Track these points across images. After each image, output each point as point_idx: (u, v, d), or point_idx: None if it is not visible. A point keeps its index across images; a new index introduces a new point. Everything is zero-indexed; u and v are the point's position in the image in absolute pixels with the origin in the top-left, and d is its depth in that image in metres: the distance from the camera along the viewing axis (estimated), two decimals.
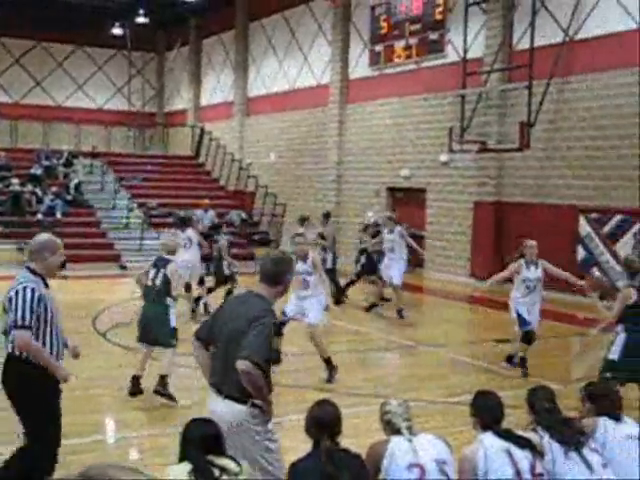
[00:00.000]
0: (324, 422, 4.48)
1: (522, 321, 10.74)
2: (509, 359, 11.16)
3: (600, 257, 17.61)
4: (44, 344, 5.72)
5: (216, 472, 4.15)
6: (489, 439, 4.75)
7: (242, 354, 4.85)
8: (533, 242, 11.08)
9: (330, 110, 26.54)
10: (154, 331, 9.23)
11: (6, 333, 5.79)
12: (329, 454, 4.29)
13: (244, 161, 31.33)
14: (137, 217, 25.64)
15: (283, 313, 10.39)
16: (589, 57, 17.90)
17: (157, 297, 9.30)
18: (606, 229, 17.55)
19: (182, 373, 9.72)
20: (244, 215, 28.03)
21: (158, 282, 9.31)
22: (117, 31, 35.57)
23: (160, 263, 9.50)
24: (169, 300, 9.34)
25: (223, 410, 5.01)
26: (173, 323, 9.30)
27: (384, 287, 15.93)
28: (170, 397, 8.96)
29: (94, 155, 29.60)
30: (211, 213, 22.71)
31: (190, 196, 27.44)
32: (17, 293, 5.65)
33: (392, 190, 24.23)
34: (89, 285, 19.14)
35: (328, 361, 10.23)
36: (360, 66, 25.48)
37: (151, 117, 39.54)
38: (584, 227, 18.04)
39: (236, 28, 32.42)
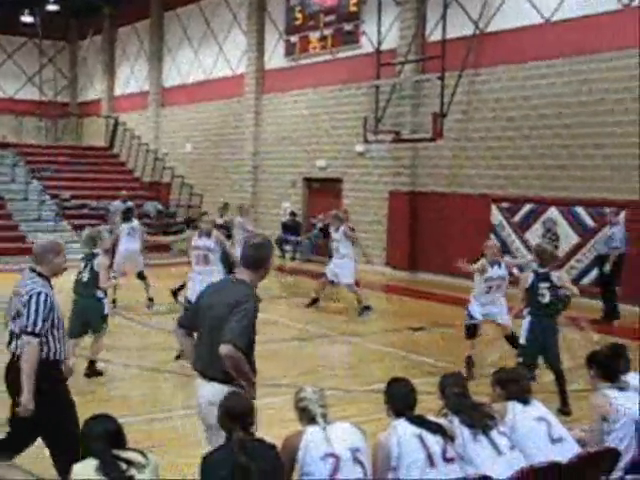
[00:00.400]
0: (236, 413, 4.51)
1: (469, 316, 10.53)
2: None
3: (512, 245, 18.06)
4: (50, 348, 5.69)
5: (123, 465, 4.13)
6: (402, 425, 4.85)
7: (225, 339, 4.98)
8: (492, 242, 11.43)
9: (246, 100, 26.46)
10: (88, 320, 9.75)
11: (12, 333, 5.77)
12: (241, 445, 4.32)
13: (160, 152, 30.98)
14: (50, 209, 25.12)
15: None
16: (499, 50, 18.31)
17: (86, 290, 9.71)
18: (517, 218, 18.01)
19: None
20: (160, 206, 27.74)
21: (86, 275, 9.71)
22: (27, 19, 34.66)
23: (88, 257, 9.91)
24: (99, 292, 9.76)
25: (209, 393, 5.14)
26: (106, 311, 9.95)
27: (326, 285, 15.83)
28: (99, 373, 9.79)
29: (4, 146, 28.81)
30: (129, 204, 22.40)
31: (105, 187, 27.06)
32: (31, 298, 5.62)
33: (309, 180, 24.33)
34: (1, 279, 18.66)
35: None
36: (276, 56, 25.47)
37: (64, 107, 38.69)
38: (496, 216, 18.48)
39: (151, 17, 31.99)
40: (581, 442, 5.46)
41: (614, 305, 14.66)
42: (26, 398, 5.47)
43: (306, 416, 4.80)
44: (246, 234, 16.02)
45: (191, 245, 11.63)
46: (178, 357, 10.04)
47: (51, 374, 5.67)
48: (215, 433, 4.92)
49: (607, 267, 14.48)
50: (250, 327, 5.16)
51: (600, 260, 15.00)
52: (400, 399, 5.04)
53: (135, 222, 15.72)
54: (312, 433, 4.65)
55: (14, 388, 5.64)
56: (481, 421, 5.01)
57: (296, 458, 4.60)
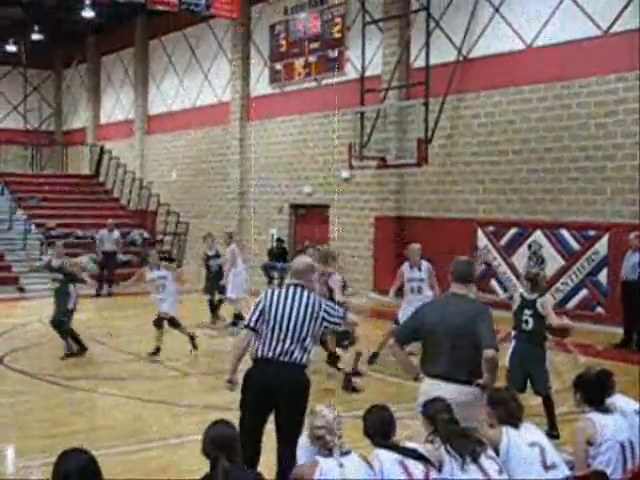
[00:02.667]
0: (221, 441, 4.46)
1: (395, 321, 11.69)
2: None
3: (498, 268, 18.11)
4: None
5: None
6: (383, 453, 4.85)
7: (487, 344, 5.80)
8: (415, 245, 12.58)
9: (231, 128, 26.54)
10: None
11: None
12: (226, 474, 4.27)
13: (145, 180, 30.97)
14: (35, 238, 25.03)
15: None
16: (482, 75, 18.47)
17: None
18: (502, 241, 18.07)
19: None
20: (146, 234, 27.69)
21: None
22: (11, 47, 34.70)
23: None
24: None
25: (454, 394, 5.71)
26: None
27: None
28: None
29: None
30: (116, 233, 22.42)
31: (91, 216, 27.00)
32: None
33: (295, 207, 24.36)
34: None
35: None
36: (261, 84, 25.59)
37: (49, 136, 38.70)
38: (482, 239, 18.53)
39: (135, 46, 32.10)
40: (570, 465, 5.46)
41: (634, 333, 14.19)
42: None
43: (321, 444, 4.78)
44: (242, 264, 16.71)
45: (147, 279, 13.55)
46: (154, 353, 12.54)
47: None
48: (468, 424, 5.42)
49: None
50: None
51: (626, 286, 14.26)
52: (378, 427, 5.04)
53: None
54: (327, 467, 4.63)
55: None
56: (470, 449, 4.99)
57: None
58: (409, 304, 11.30)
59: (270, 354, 6.24)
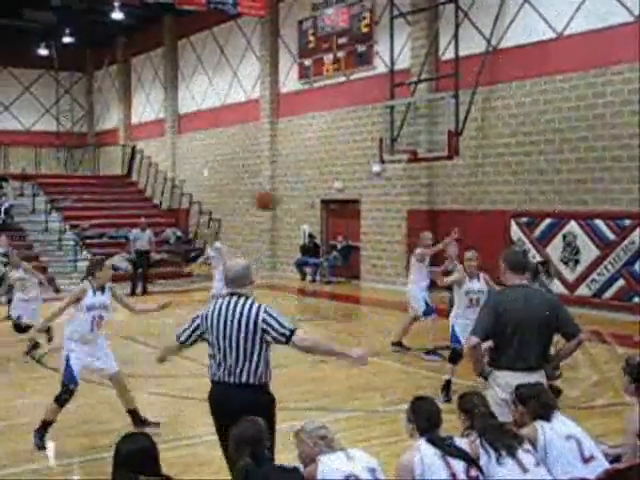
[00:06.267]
0: (245, 440, 4.45)
1: (453, 337, 10.31)
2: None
3: (533, 260, 17.93)
4: None
5: None
6: (425, 445, 4.82)
7: (576, 330, 6.14)
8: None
9: (261, 125, 26.58)
10: None
11: None
12: (246, 472, 4.25)
13: (177, 178, 31.15)
14: (70, 239, 25.29)
15: None
16: (512, 65, 18.31)
17: None
18: (536, 233, 17.91)
19: None
20: (179, 233, 27.85)
21: None
22: (43, 51, 35.04)
23: None
24: None
25: (540, 379, 5.92)
26: None
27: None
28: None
29: (24, 177, 29.09)
30: (148, 232, 22.56)
31: (124, 216, 27.18)
32: None
33: (326, 202, 24.36)
34: None
35: None
36: (290, 80, 25.60)
37: (81, 137, 39.03)
38: (515, 231, 18.38)
39: (164, 45, 32.28)
40: (609, 458, 5.38)
41: None
42: None
43: (325, 443, 4.73)
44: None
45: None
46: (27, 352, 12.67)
47: None
48: None
49: None
50: None
51: None
52: (425, 418, 4.99)
53: None
54: (331, 461, 4.60)
55: None
56: (507, 443, 4.94)
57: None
58: (463, 318, 10.00)
59: (217, 376, 5.66)
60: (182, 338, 5.88)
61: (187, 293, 20.38)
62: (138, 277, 22.01)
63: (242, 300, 5.66)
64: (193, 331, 5.80)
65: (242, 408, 5.20)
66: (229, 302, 5.67)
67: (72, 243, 24.90)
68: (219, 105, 29.37)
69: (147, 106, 34.75)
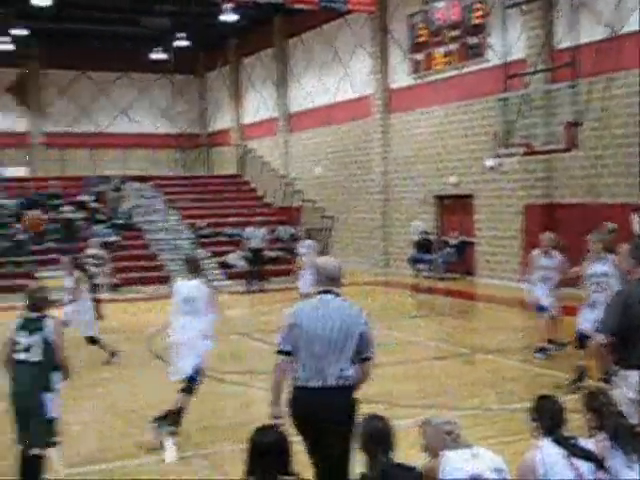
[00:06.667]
0: (376, 437, 4.38)
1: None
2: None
3: None
4: None
5: None
6: (548, 444, 4.64)
7: None
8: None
9: (373, 121, 26.49)
10: None
11: None
12: (384, 470, 4.19)
13: (289, 177, 31.41)
14: (186, 238, 25.88)
15: None
16: (635, 52, 17.55)
17: None
18: None
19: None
20: (292, 230, 28.07)
21: None
22: (159, 56, 35.96)
23: None
24: None
25: None
26: None
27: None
28: None
29: (142, 179, 30.00)
30: (262, 231, 22.88)
31: (237, 214, 27.65)
32: None
33: (439, 198, 24.06)
34: (142, 307, 19.29)
35: None
36: (401, 75, 25.41)
37: (195, 138, 39.87)
38: (636, 225, 17.66)
39: (275, 45, 32.60)
40: None
41: None
42: None
43: (451, 439, 4.62)
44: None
45: None
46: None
47: None
48: None
49: None
50: None
51: None
52: (549, 417, 4.81)
53: None
54: (456, 457, 4.48)
55: None
56: (636, 443, 4.71)
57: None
58: (591, 307, 9.60)
59: (307, 380, 5.35)
60: (286, 347, 5.42)
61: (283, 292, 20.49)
62: (253, 274, 22.32)
63: (339, 299, 5.49)
64: (294, 337, 5.41)
65: (335, 411, 5.10)
66: (327, 301, 5.46)
67: (189, 242, 25.46)
68: (330, 102, 29.42)
69: (258, 106, 35.17)
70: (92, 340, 12.53)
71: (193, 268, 8.95)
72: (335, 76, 29.02)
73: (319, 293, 5.53)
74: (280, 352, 5.46)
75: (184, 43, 33.89)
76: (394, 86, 25.82)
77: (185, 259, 9.46)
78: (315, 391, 5.31)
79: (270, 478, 3.97)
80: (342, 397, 5.31)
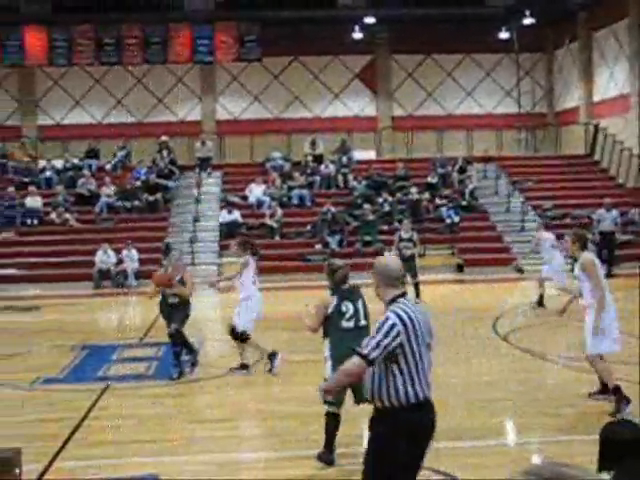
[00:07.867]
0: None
1: None
2: None
3: None
4: None
5: None
6: None
7: None
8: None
9: None
10: None
11: None
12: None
13: None
14: (532, 220, 25.39)
15: None
16: None
17: None
18: None
19: None
20: None
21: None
22: (503, 35, 35.55)
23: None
24: None
25: None
26: None
27: None
28: None
29: (486, 160, 29.96)
30: (614, 213, 21.82)
31: (585, 196, 26.59)
32: None
33: None
34: (488, 289, 19.27)
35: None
36: None
37: (541, 118, 38.86)
38: None
39: (630, 17, 30.64)
40: None
41: None
42: None
43: None
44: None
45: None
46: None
47: None
48: None
49: None
50: None
51: None
52: None
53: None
54: None
55: None
56: None
57: None
58: None
59: (417, 394, 4.78)
60: (374, 354, 4.70)
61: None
62: (602, 259, 21.26)
63: (412, 302, 5.12)
64: (393, 344, 4.73)
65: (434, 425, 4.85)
66: (412, 305, 4.99)
67: (534, 224, 24.94)
68: None
69: (610, 82, 33.36)
70: None
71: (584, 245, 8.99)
72: None
73: (401, 296, 4.96)
74: None
75: (529, 20, 33.17)
76: None
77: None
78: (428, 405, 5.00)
79: None
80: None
